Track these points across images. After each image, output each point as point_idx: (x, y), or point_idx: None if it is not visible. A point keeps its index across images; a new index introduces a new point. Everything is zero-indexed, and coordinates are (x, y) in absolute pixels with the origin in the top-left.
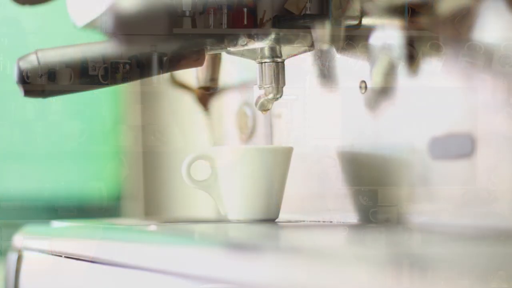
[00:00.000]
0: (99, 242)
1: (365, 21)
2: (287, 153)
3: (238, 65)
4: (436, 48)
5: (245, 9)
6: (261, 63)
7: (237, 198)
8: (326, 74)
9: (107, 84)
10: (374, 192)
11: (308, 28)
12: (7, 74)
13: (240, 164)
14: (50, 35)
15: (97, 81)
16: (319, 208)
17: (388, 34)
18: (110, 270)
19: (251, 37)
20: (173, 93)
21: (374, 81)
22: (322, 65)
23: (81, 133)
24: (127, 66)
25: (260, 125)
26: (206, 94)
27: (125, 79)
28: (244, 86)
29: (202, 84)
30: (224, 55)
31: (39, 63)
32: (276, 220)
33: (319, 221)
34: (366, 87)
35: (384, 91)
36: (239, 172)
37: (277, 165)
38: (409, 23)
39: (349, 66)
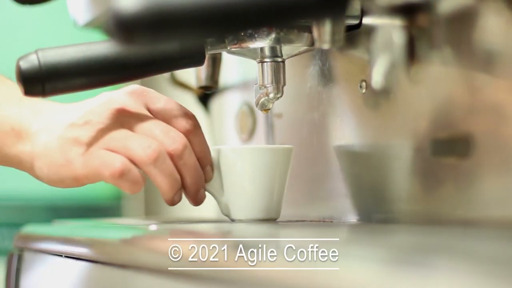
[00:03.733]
0: (99, 242)
1: (365, 21)
2: (287, 153)
3: (238, 65)
4: (436, 48)
5: None
6: (262, 62)
7: (237, 198)
8: (326, 74)
9: (108, 84)
10: (374, 191)
11: (308, 28)
12: (7, 74)
13: (240, 164)
14: (50, 35)
15: (98, 81)
16: (319, 208)
17: (388, 34)
18: (110, 270)
19: (251, 36)
20: (173, 93)
21: (374, 81)
22: (322, 65)
23: None
24: (127, 66)
25: (260, 125)
26: (206, 94)
27: (125, 79)
28: (244, 86)
29: (202, 84)
30: (224, 55)
31: (39, 63)
32: (277, 220)
33: (319, 221)
34: (366, 87)
35: (384, 91)
36: (239, 172)
37: (277, 165)
38: (409, 23)
39: (349, 66)
